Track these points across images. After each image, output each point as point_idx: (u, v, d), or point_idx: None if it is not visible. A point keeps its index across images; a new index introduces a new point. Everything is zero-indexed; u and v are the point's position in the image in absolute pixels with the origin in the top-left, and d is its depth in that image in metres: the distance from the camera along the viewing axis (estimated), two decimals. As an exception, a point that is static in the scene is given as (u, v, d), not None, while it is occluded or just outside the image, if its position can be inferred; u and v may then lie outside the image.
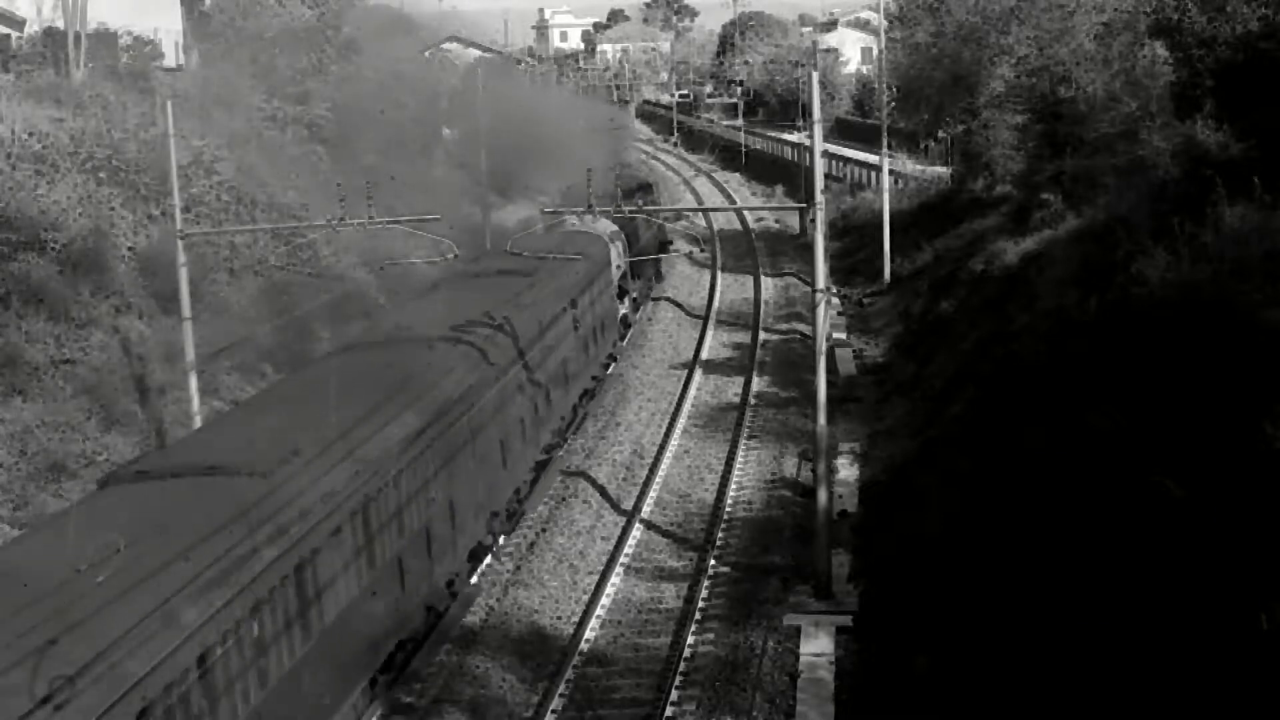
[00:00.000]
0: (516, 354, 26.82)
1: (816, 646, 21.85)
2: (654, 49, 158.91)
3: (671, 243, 54.79)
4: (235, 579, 15.02)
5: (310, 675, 16.86)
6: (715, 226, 67.80)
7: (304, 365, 26.53)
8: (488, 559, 25.33)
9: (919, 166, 63.74)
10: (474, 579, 24.45)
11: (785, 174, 79.81)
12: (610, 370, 38.79)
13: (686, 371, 39.60)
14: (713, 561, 25.45)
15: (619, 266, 40.50)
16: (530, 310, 28.65)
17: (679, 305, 50.11)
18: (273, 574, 15.89)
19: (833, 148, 69.54)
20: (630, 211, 26.94)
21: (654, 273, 51.56)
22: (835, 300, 45.87)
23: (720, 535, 26.80)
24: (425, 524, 21.10)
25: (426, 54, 73.68)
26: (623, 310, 42.02)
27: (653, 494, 29.32)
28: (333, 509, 17.60)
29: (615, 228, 40.62)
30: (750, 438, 33.08)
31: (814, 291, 24.37)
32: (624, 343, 42.03)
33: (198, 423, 26.12)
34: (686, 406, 35.97)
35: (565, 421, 32.32)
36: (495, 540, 25.75)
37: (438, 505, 21.67)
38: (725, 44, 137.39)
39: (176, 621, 13.82)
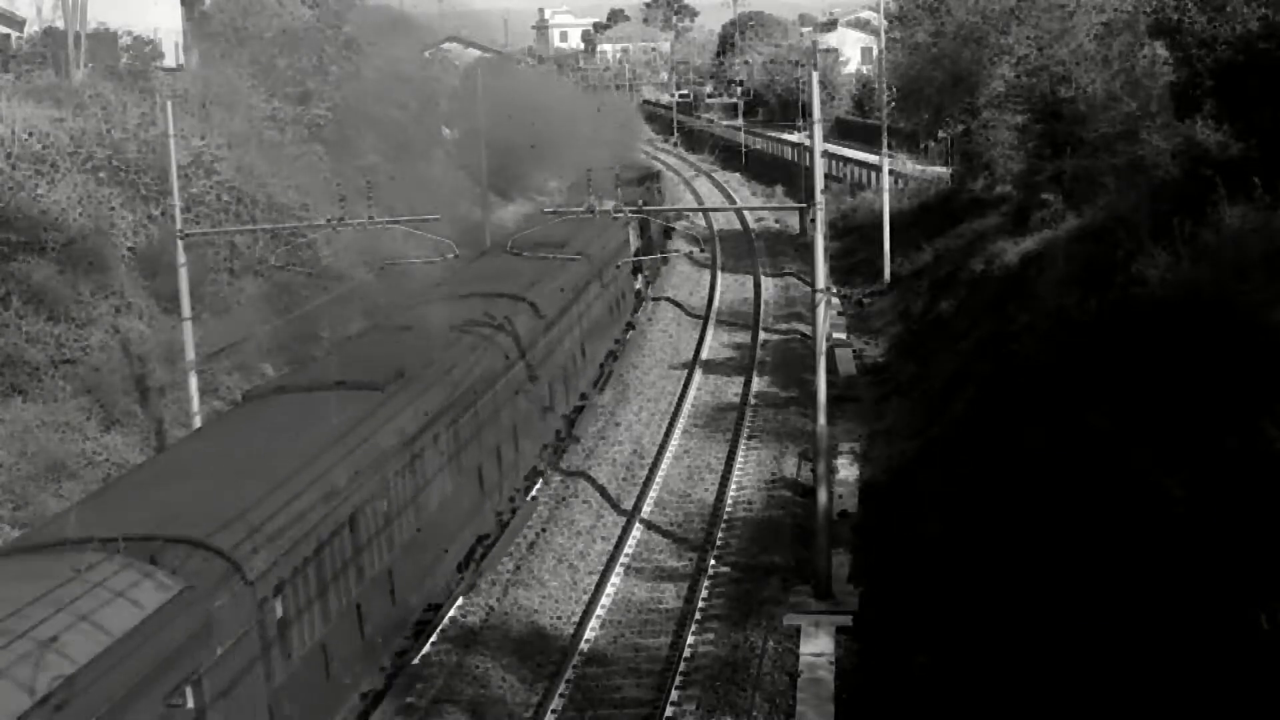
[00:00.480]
0: (561, 309, 31.30)
1: (816, 646, 21.84)
2: (654, 49, 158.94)
3: (675, 228, 56.97)
4: (367, 466, 18.83)
5: (420, 549, 21.04)
6: (715, 226, 67.81)
7: (398, 308, 29.53)
8: (539, 482, 29.56)
9: (919, 166, 63.73)
10: (529, 496, 28.63)
11: (785, 174, 79.83)
12: (628, 335, 43.07)
13: (686, 371, 39.61)
14: (713, 561, 25.45)
15: (635, 247, 44.81)
16: (571, 275, 32.87)
17: (679, 305, 50.12)
18: (393, 464, 19.88)
19: (833, 148, 69.51)
20: (631, 211, 26.93)
21: (661, 256, 52.42)
22: (835, 300, 45.87)
23: (720, 535, 26.80)
24: (497, 444, 25.42)
25: (426, 54, 73.60)
26: (637, 285, 46.45)
27: (653, 494, 29.32)
28: (432, 420, 21.63)
29: None
30: (750, 438, 33.08)
31: (814, 291, 24.37)
32: (638, 314, 46.35)
33: (197, 423, 26.10)
34: (686, 406, 35.98)
35: (597, 373, 36.93)
36: (546, 466, 30.15)
37: (505, 430, 25.95)
38: (725, 44, 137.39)
39: (336, 486, 17.73)
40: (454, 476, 22.77)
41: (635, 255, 44.58)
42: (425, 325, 25.00)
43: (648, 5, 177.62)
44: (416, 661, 21.54)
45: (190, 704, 13.49)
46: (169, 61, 51.80)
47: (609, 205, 25.49)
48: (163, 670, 12.97)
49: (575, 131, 61.32)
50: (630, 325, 43.51)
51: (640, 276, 47.10)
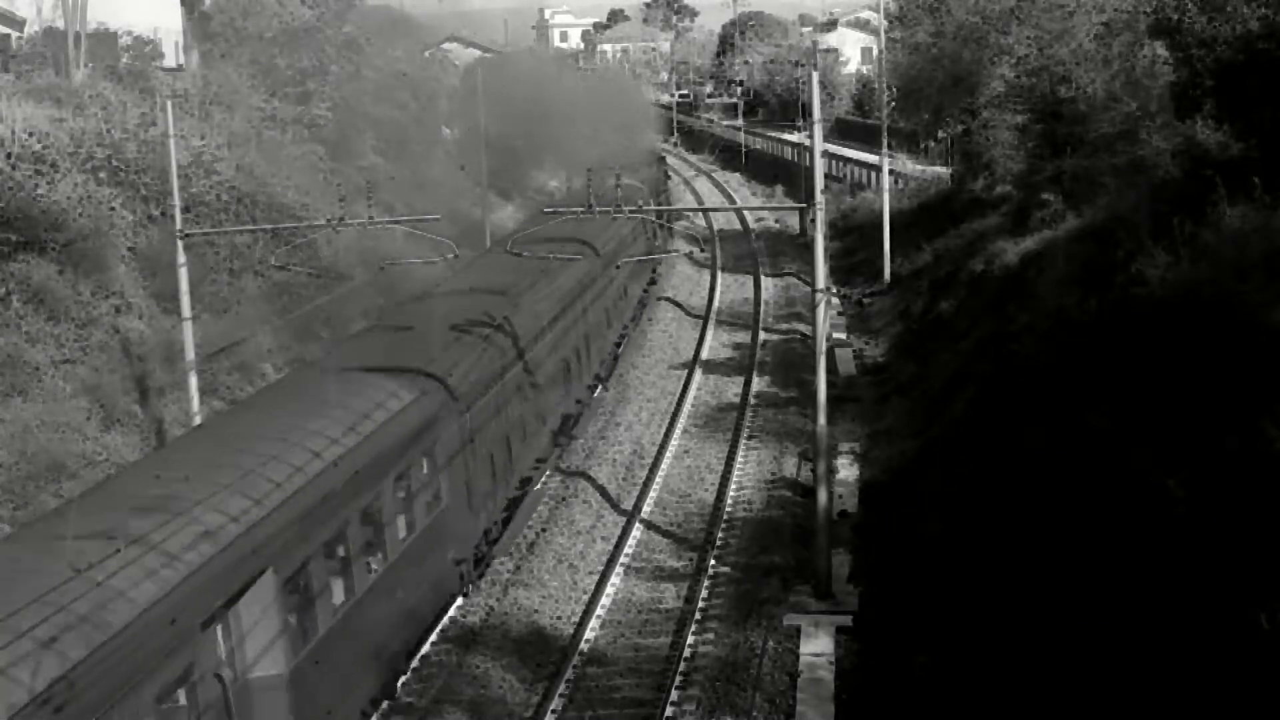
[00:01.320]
0: (615, 251, 38.42)
1: (816, 646, 21.85)
2: (654, 49, 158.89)
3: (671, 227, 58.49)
4: (496, 348, 25.65)
5: (533, 419, 28.34)
6: (715, 226, 67.82)
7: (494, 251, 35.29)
8: (599, 389, 36.33)
9: (919, 166, 63.74)
10: (595, 394, 35.49)
11: (785, 174, 79.87)
12: (644, 307, 48.10)
13: (686, 371, 39.62)
14: (713, 561, 25.46)
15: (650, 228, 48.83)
16: (618, 230, 39.42)
17: (679, 305, 50.12)
18: (515, 349, 26.78)
19: (833, 148, 69.53)
20: (630, 212, 26.91)
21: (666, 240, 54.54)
22: (835, 300, 45.88)
23: (720, 535, 26.80)
24: (568, 355, 32.17)
25: (426, 54, 73.61)
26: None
27: (653, 494, 29.33)
28: (543, 320, 29.34)
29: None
30: (750, 438, 33.09)
31: (814, 291, 24.36)
32: (654, 286, 51.32)
33: (197, 423, 26.10)
34: (686, 406, 35.98)
35: (625, 327, 42.45)
36: (604, 374, 37.36)
37: (572, 347, 32.55)
38: (725, 44, 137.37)
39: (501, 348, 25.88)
40: (555, 364, 30.62)
41: (650, 235, 49.34)
42: (530, 254, 29.62)
43: (648, 5, 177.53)
44: (416, 663, 21.56)
45: (426, 469, 21.19)
46: (169, 61, 51.80)
47: (608, 205, 25.44)
48: (414, 437, 20.55)
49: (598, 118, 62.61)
50: (646, 292, 49.42)
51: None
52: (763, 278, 53.28)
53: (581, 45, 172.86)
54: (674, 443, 32.86)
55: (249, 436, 18.01)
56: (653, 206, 34.23)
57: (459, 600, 23.69)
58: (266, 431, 18.22)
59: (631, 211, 26.40)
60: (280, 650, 15.83)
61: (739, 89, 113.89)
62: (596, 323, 36.58)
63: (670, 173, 78.52)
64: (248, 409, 21.52)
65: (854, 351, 41.46)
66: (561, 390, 31.62)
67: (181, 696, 13.92)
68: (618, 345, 40.73)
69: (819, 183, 23.90)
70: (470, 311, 26.58)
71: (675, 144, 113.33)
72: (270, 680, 15.63)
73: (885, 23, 57.09)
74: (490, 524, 24.99)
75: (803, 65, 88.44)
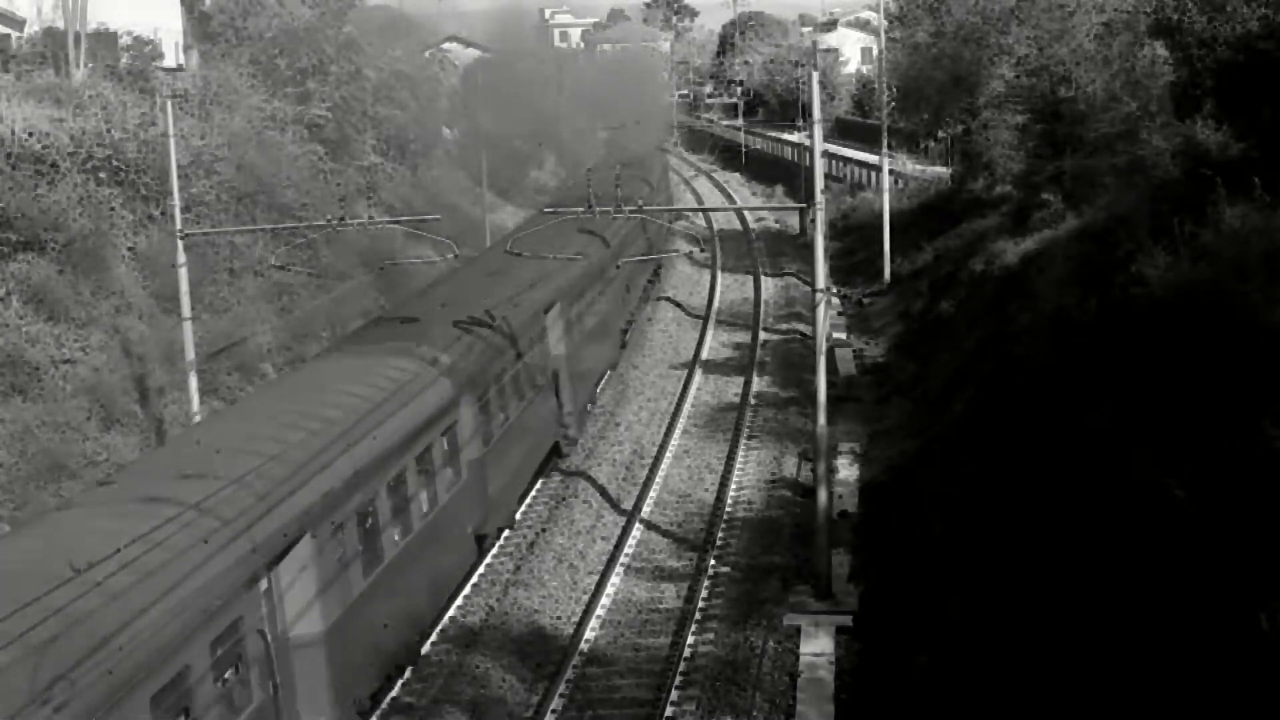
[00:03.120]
0: (625, 242, 41.14)
1: (816, 646, 21.85)
2: (654, 49, 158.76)
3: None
4: (556, 285, 31.24)
5: (593, 350, 34.89)
6: (715, 226, 67.82)
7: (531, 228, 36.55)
8: (625, 348, 41.28)
9: (919, 166, 63.74)
10: (621, 348, 40.83)
11: (785, 174, 79.86)
12: (655, 284, 51.56)
13: (686, 371, 39.62)
14: (713, 561, 25.45)
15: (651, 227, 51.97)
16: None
17: (679, 305, 50.12)
18: (574, 289, 32.80)
19: (833, 148, 69.53)
20: (630, 211, 26.89)
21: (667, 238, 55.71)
22: (835, 300, 45.88)
23: (720, 535, 26.80)
24: (603, 316, 36.88)
25: (426, 54, 73.53)
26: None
27: (653, 494, 29.32)
28: (587, 275, 34.38)
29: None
30: (750, 438, 33.08)
31: (814, 291, 24.35)
32: (658, 275, 53.25)
33: (197, 422, 26.11)
34: (686, 406, 35.98)
35: (639, 304, 46.29)
36: (626, 340, 41.99)
37: (598, 318, 36.09)
38: (725, 44, 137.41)
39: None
40: (595, 317, 35.25)
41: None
42: (556, 232, 32.21)
43: (648, 5, 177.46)
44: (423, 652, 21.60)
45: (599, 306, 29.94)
46: (169, 61, 51.76)
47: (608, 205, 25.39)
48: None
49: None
50: (657, 273, 52.04)
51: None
52: (763, 278, 53.28)
53: (581, 45, 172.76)
54: (674, 443, 32.85)
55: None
56: (654, 207, 34.28)
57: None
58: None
59: (631, 212, 26.38)
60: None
61: (739, 89, 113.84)
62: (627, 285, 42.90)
63: (670, 169, 78.66)
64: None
65: (854, 351, 41.45)
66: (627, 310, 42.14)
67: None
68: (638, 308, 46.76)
69: (819, 183, 23.89)
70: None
71: (675, 144, 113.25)
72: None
73: (885, 23, 57.10)
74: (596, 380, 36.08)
75: (803, 65, 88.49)
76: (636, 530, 27.23)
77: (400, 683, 20.86)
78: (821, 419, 24.22)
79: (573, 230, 34.26)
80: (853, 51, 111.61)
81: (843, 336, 43.36)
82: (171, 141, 26.75)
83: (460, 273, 33.18)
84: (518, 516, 27.86)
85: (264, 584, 16.01)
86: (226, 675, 14.88)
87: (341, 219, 26.41)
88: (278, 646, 16.09)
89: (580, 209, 25.69)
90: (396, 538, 19.82)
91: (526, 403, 27.48)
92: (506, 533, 26.87)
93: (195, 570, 14.36)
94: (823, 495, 24.14)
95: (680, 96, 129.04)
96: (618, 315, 39.84)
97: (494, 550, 26.17)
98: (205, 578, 14.46)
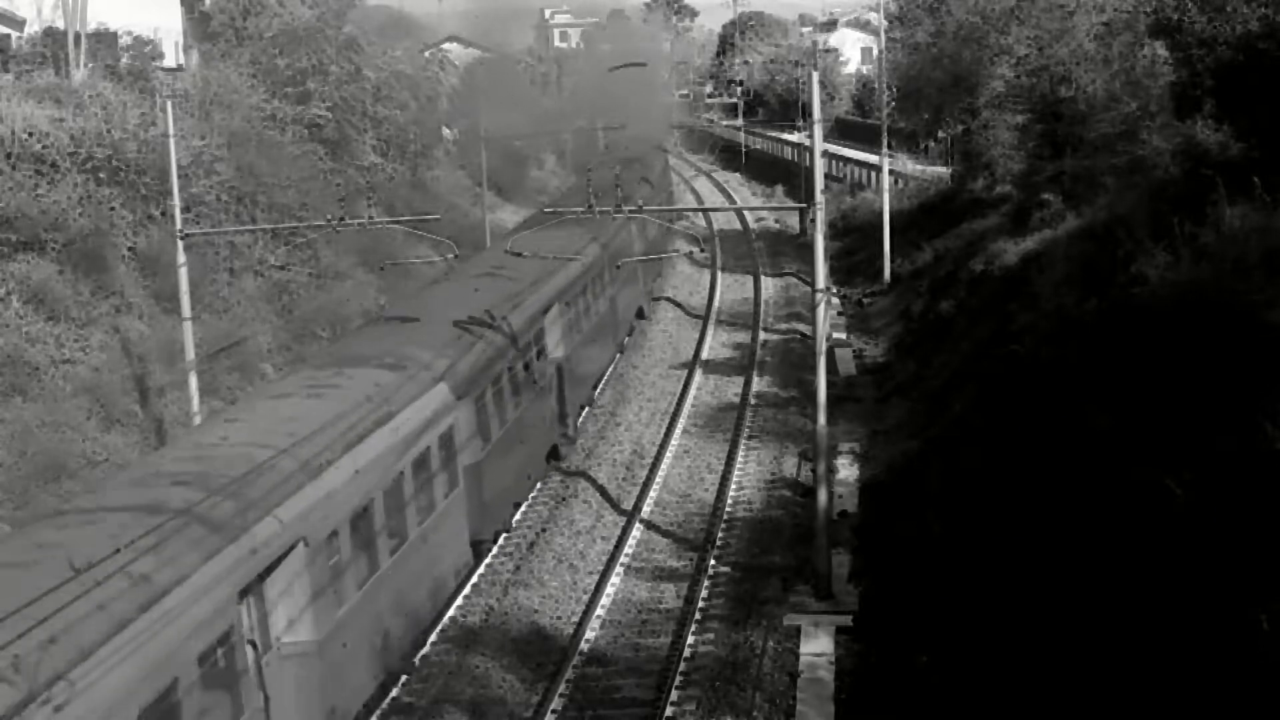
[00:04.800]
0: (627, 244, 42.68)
1: (816, 646, 21.85)
2: (654, 49, 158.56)
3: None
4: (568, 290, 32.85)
5: (612, 316, 38.54)
6: (715, 226, 67.80)
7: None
8: (634, 332, 44.06)
9: (919, 166, 63.75)
10: (629, 335, 43.25)
11: (785, 174, 79.86)
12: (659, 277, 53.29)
13: (686, 371, 39.61)
14: (713, 561, 25.45)
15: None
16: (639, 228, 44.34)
17: (679, 305, 50.12)
18: (587, 275, 35.04)
19: (833, 148, 69.52)
20: (630, 211, 26.89)
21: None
22: (835, 300, 45.87)
23: (720, 535, 26.79)
24: (614, 295, 39.00)
25: (426, 54, 73.57)
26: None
27: (653, 494, 29.32)
28: (587, 282, 35.28)
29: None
30: (750, 438, 33.08)
31: (814, 291, 24.35)
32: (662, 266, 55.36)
33: (197, 423, 26.10)
34: (686, 406, 35.98)
35: (650, 286, 49.04)
36: (635, 328, 44.26)
37: (611, 299, 38.61)
38: (725, 44, 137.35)
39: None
40: (606, 304, 37.72)
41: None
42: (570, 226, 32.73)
43: (648, 5, 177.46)
44: (416, 662, 21.58)
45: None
46: (169, 61, 51.77)
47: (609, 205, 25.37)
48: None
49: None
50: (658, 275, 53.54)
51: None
52: (763, 277, 53.27)
53: (581, 45, 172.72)
54: (674, 443, 32.85)
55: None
56: (654, 207, 34.27)
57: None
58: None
59: (631, 212, 26.37)
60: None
61: (739, 89, 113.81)
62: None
63: (670, 169, 78.61)
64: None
65: (854, 351, 41.45)
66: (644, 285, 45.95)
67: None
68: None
69: (819, 183, 23.89)
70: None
71: (675, 143, 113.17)
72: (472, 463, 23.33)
73: (885, 23, 57.10)
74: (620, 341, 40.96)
75: (803, 65, 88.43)
76: (636, 530, 27.22)
77: (400, 683, 20.86)
78: (821, 419, 24.22)
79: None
80: (853, 51, 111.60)
81: (843, 336, 43.37)
82: (171, 141, 26.74)
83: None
84: (517, 518, 27.84)
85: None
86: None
87: (341, 219, 26.40)
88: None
89: (580, 209, 25.67)
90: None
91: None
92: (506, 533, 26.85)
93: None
94: (823, 495, 24.14)
95: (680, 96, 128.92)
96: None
97: (494, 550, 26.17)
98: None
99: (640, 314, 45.66)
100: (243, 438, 17.77)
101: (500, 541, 26.43)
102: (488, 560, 25.70)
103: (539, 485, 29.72)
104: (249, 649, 15.35)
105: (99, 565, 12.75)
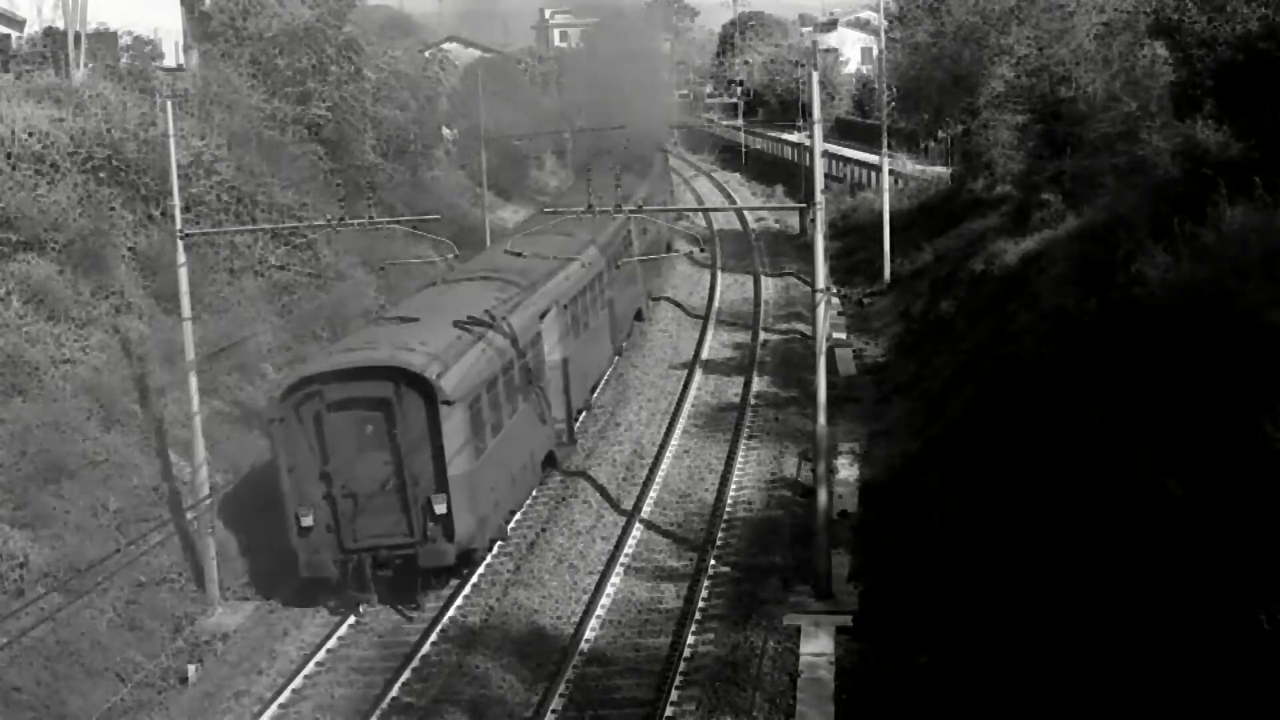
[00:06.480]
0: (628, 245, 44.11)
1: (816, 646, 21.85)
2: (654, 49, 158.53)
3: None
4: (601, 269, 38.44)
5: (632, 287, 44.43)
6: (715, 226, 67.79)
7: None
8: (641, 320, 46.01)
9: (919, 166, 63.75)
10: (637, 320, 45.61)
11: (785, 174, 79.84)
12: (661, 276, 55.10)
13: (686, 371, 39.62)
14: (713, 561, 25.46)
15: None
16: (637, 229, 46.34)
17: (679, 305, 50.13)
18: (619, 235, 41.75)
19: (833, 148, 69.53)
20: (630, 211, 26.91)
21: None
22: (835, 300, 45.87)
23: (720, 535, 26.80)
24: (629, 282, 43.28)
25: (426, 54, 73.52)
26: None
27: (653, 494, 29.33)
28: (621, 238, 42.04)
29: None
30: (750, 438, 33.09)
31: (814, 291, 24.36)
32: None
33: (197, 423, 26.08)
34: (686, 406, 35.98)
35: (650, 287, 50.12)
36: (646, 309, 47.11)
37: (632, 279, 43.86)
38: (725, 44, 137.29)
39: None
40: (621, 291, 40.92)
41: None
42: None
43: (648, 5, 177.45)
44: (417, 662, 21.58)
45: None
46: (169, 61, 51.72)
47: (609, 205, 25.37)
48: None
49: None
50: (668, 246, 54.27)
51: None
52: (763, 278, 53.28)
53: (581, 45, 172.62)
54: (674, 443, 32.86)
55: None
56: (654, 207, 34.33)
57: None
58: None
59: (631, 212, 26.37)
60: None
61: (739, 89, 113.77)
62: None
63: (670, 169, 78.59)
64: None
65: (854, 351, 41.46)
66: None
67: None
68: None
69: (819, 183, 23.90)
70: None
71: (675, 143, 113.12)
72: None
73: (885, 23, 57.07)
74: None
75: (803, 65, 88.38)
76: (636, 530, 27.23)
77: (400, 683, 20.85)
78: (821, 419, 24.22)
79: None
80: (853, 51, 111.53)
81: (843, 336, 43.37)
82: (171, 141, 26.69)
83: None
84: (516, 519, 27.85)
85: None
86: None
87: (341, 219, 26.37)
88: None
89: (580, 209, 25.67)
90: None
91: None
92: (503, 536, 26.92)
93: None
94: (823, 495, 24.15)
95: (680, 96, 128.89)
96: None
97: (493, 550, 26.18)
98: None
99: (639, 316, 45.57)
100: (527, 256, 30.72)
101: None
102: (488, 560, 25.71)
103: (538, 486, 29.77)
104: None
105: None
